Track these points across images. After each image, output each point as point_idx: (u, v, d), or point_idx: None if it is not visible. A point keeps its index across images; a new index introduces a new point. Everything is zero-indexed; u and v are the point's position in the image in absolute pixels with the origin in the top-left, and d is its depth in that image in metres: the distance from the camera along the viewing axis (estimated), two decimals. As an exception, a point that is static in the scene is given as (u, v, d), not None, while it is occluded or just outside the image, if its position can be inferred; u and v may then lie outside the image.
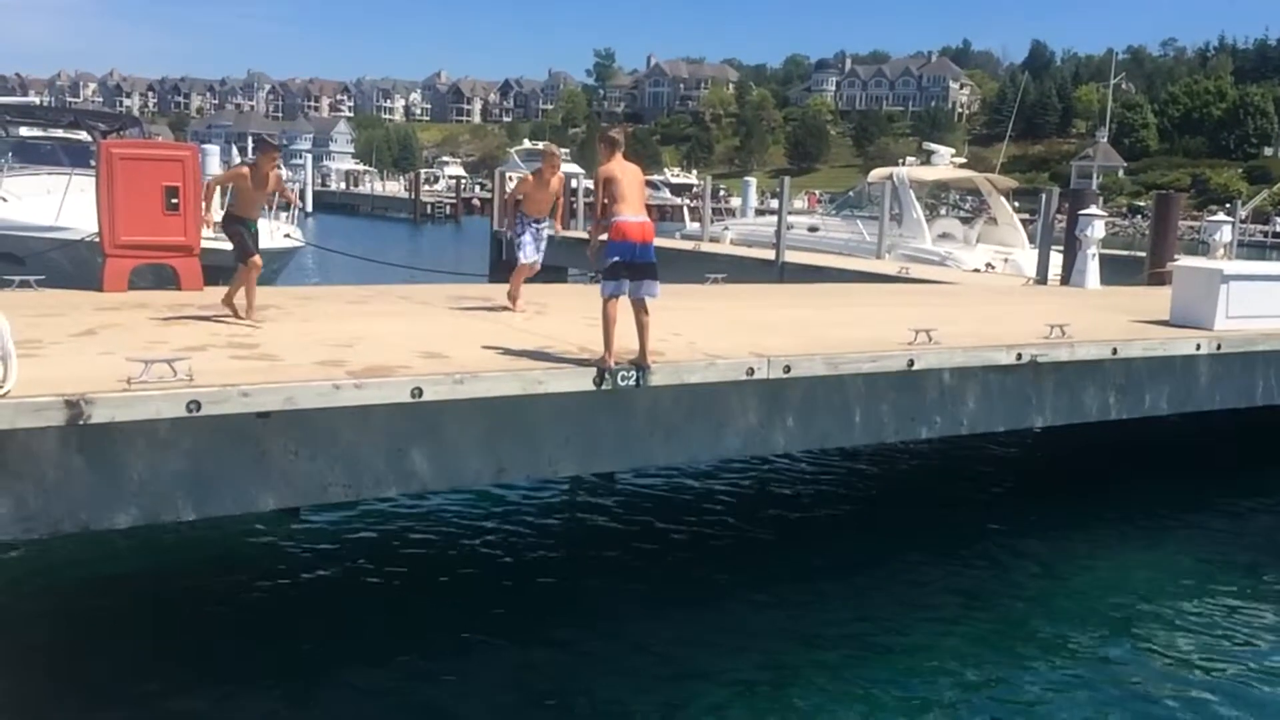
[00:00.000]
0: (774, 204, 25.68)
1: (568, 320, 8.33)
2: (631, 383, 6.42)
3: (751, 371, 6.88)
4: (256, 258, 7.52)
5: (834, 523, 9.33)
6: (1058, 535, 8.91)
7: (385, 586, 7.32)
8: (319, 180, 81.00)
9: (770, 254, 19.48)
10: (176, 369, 5.25)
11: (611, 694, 5.86)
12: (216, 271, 9.42)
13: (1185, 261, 12.05)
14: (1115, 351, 8.82)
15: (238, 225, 7.54)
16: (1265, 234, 63.44)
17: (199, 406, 5.15)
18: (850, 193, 28.63)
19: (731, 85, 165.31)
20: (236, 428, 5.52)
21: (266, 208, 15.61)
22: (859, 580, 7.79)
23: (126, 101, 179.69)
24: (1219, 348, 9.47)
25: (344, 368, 5.90)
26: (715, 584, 7.57)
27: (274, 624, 6.62)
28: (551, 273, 24.62)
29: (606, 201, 6.36)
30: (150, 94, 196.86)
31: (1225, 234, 17.46)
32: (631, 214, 6.32)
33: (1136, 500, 9.99)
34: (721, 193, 62.35)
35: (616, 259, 6.26)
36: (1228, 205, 35.04)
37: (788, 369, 7.03)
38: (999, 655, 6.62)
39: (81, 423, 4.92)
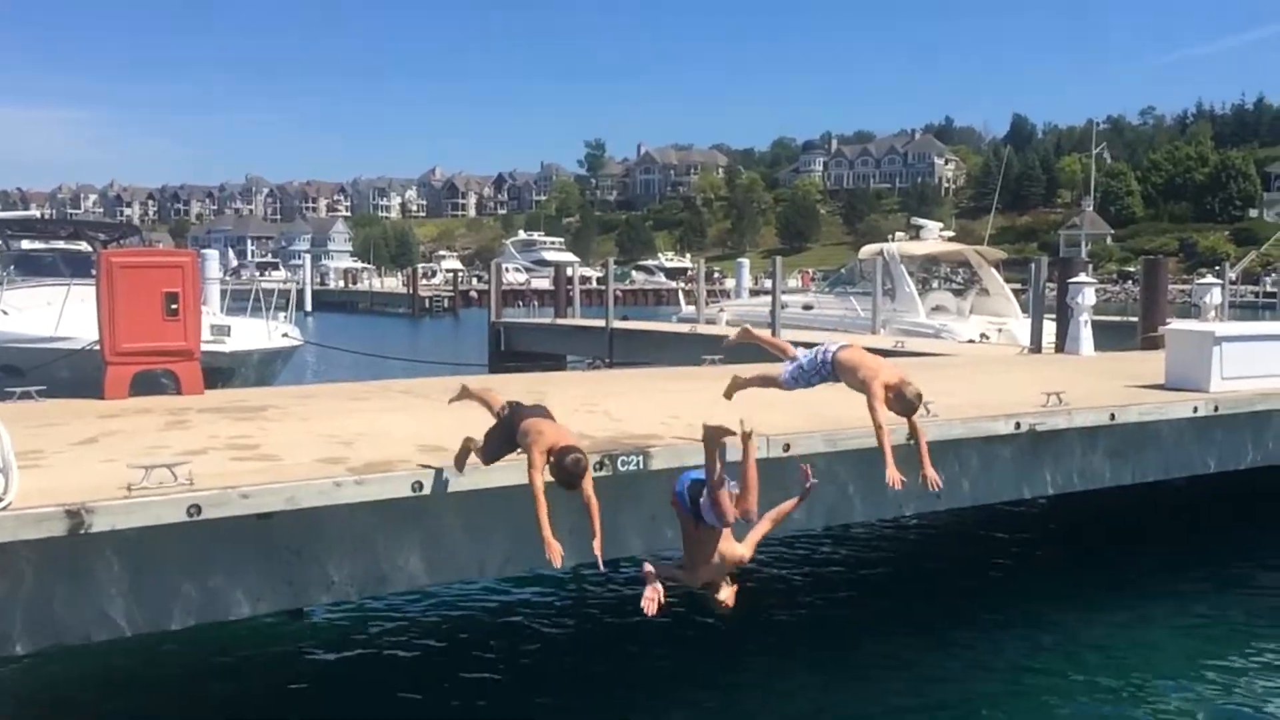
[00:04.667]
0: (768, 284, 25.96)
1: (566, 408, 8.34)
2: (633, 467, 6.43)
3: (751, 452, 6.88)
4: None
5: (839, 600, 9.22)
6: (1069, 604, 8.81)
7: (399, 682, 7.22)
8: (318, 279, 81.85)
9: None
10: (177, 473, 5.27)
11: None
12: (215, 374, 9.48)
13: (1177, 325, 12.15)
14: (1113, 417, 8.83)
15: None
16: (1256, 294, 63.87)
17: (199, 510, 5.16)
18: (843, 270, 28.97)
19: (721, 169, 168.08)
20: (238, 530, 5.52)
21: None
22: (871, 657, 7.68)
23: (127, 211, 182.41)
24: (1216, 409, 9.49)
25: (345, 464, 5.92)
26: (732, 666, 7.48)
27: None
28: (551, 360, 24.91)
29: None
30: (150, 202, 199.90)
31: (1215, 296, 17.66)
32: None
33: (1147, 566, 9.91)
34: (715, 275, 63.18)
35: (688, 483, 5.42)
36: (1216, 268, 35.47)
37: (787, 447, 7.04)
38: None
39: (82, 532, 4.92)
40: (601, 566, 5.41)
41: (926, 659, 7.67)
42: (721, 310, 27.11)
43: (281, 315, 15.98)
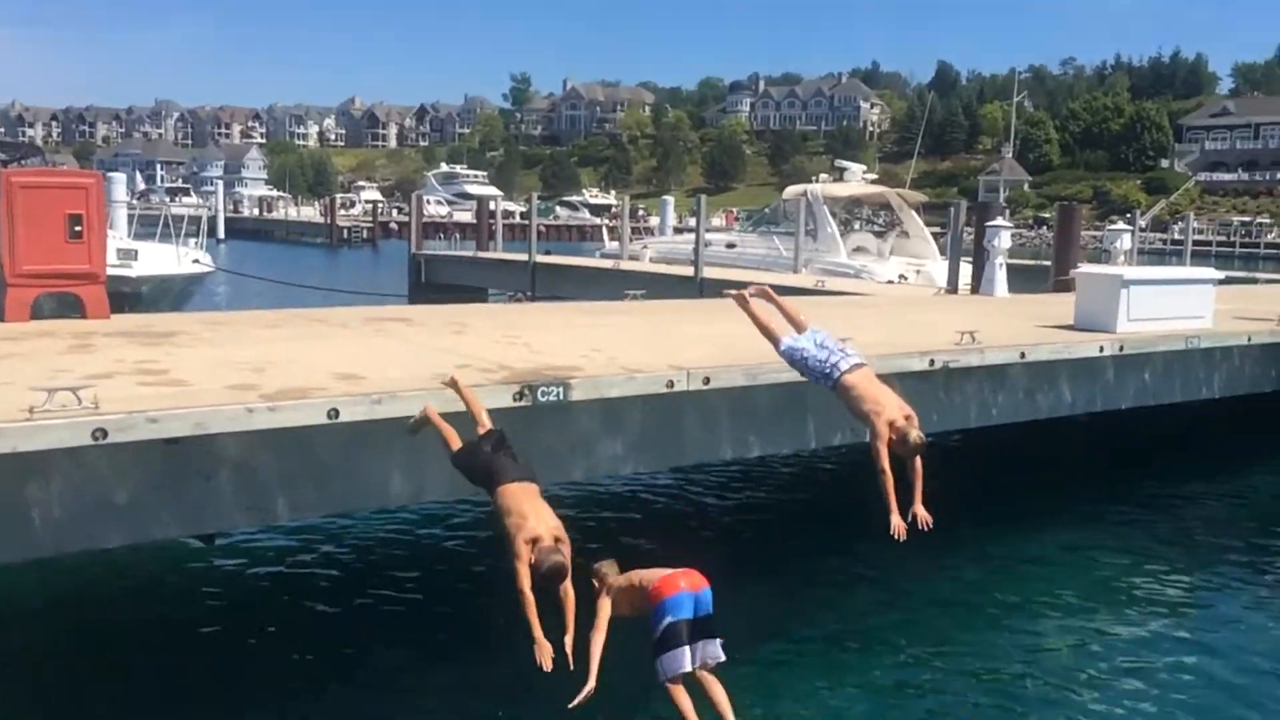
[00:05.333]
0: (692, 222, 25.97)
1: (487, 340, 8.28)
2: (552, 398, 6.41)
3: (671, 384, 6.92)
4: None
5: (758, 525, 9.40)
6: (982, 532, 9.12)
7: (310, 609, 7.17)
8: (231, 206, 79.47)
9: (689, 271, 19.67)
10: (81, 397, 5.09)
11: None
12: (121, 299, 9.15)
13: (1087, 268, 12.47)
14: (1023, 355, 9.08)
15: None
16: (1164, 241, 66.05)
17: (105, 434, 5.00)
18: (766, 210, 29.10)
19: (648, 108, 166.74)
20: (146, 455, 5.37)
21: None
22: (792, 588, 7.86)
23: (29, 132, 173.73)
24: (1121, 349, 9.82)
25: (257, 391, 5.78)
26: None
27: (200, 653, 6.43)
28: (472, 293, 24.65)
29: (628, 584, 5.36)
30: (54, 124, 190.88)
31: (1125, 242, 18.15)
32: (666, 570, 5.34)
33: (1060, 497, 10.29)
34: (640, 212, 62.92)
35: (671, 619, 5.11)
36: (1128, 215, 36.49)
37: (707, 380, 7.08)
38: (933, 657, 6.75)
39: (-20, 455, 4.74)
40: (572, 664, 4.79)
41: (845, 581, 7.91)
42: (645, 247, 27.08)
43: (192, 241, 15.56)
